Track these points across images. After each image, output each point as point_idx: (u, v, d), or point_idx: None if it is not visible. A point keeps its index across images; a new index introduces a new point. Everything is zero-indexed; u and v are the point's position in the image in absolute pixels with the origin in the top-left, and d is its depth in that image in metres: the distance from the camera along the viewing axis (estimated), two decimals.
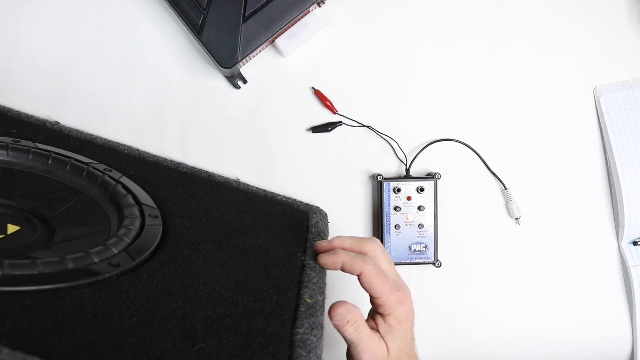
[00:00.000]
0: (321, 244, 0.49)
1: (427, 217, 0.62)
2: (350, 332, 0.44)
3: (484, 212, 0.64)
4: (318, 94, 0.62)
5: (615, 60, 0.64)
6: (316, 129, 0.63)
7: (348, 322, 0.44)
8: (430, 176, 0.62)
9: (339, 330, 0.45)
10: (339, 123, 0.63)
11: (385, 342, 0.46)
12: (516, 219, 0.63)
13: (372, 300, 0.47)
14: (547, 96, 0.64)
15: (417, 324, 0.52)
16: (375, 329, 0.46)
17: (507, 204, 0.64)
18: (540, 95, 0.64)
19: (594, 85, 0.64)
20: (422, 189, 0.61)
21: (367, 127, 0.63)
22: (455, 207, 0.64)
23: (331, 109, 0.62)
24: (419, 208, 0.61)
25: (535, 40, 0.64)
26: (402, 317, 0.46)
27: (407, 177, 0.63)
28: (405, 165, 0.63)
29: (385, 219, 0.62)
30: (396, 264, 0.61)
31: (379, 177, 0.61)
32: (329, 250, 0.47)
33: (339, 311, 0.44)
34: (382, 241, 0.62)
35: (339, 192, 0.63)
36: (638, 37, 0.64)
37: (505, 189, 0.63)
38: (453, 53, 0.64)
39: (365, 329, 0.45)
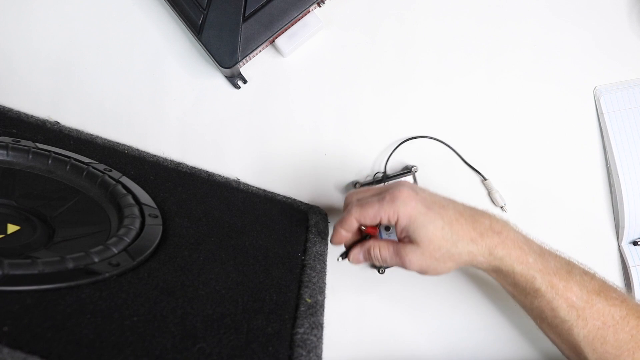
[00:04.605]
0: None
1: None
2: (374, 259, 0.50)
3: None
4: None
5: (615, 60, 0.64)
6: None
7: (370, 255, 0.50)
8: (407, 170, 0.62)
9: None
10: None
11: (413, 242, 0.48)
12: (501, 207, 0.63)
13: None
14: (547, 96, 0.64)
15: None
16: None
17: (490, 194, 0.63)
18: (540, 95, 0.64)
19: (594, 85, 0.64)
20: None
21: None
22: None
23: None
24: None
25: (535, 40, 0.64)
26: (405, 216, 0.47)
27: (385, 177, 0.62)
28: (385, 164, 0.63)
29: None
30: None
31: (356, 185, 0.62)
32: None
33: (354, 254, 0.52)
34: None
35: (339, 192, 0.63)
36: (638, 37, 0.64)
37: (485, 180, 0.63)
38: (454, 53, 0.63)
39: (387, 250, 0.49)
